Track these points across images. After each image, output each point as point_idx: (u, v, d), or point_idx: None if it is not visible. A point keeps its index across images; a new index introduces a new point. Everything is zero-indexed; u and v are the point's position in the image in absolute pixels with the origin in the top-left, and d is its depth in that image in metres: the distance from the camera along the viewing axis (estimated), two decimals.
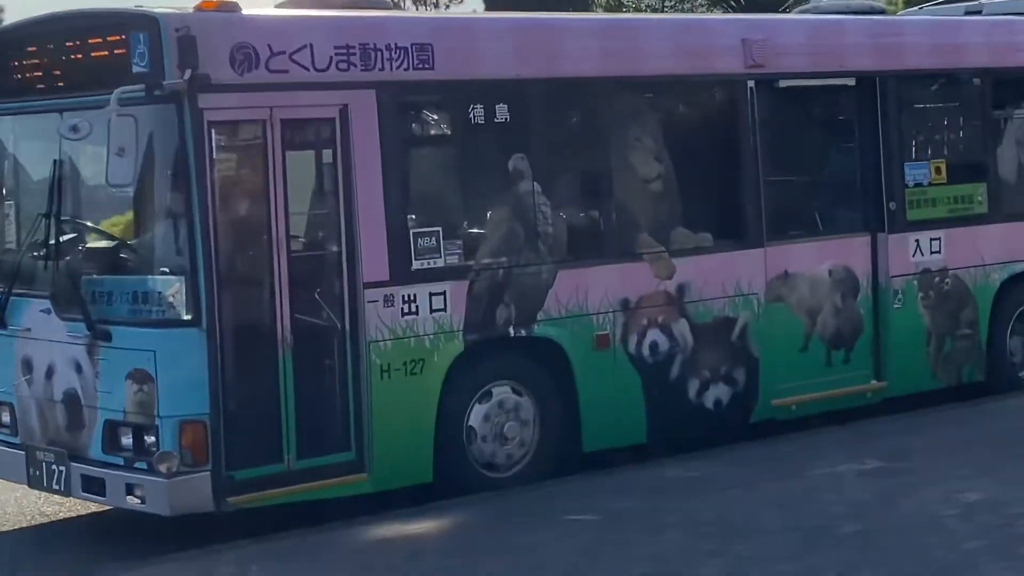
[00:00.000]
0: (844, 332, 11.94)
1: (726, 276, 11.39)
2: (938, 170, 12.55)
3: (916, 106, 12.59)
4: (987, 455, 10.48)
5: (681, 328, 11.18)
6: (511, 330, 10.40)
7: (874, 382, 12.29)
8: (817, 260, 11.95)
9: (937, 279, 12.47)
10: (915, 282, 12.36)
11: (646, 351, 11.00)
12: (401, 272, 9.92)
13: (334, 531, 9.37)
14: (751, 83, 11.53)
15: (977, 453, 10.57)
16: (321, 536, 9.25)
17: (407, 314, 9.95)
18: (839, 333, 11.91)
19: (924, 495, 9.42)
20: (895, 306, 12.28)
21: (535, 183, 10.46)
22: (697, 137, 11.55)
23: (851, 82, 12.20)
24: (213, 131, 9.28)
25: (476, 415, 10.26)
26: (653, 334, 11.04)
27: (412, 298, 9.97)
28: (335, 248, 9.84)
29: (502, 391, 10.37)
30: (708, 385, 11.33)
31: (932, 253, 12.48)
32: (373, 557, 8.87)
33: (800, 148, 12.54)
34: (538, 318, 10.50)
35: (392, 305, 9.89)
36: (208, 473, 9.24)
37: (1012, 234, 12.92)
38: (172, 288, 9.28)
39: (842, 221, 12.63)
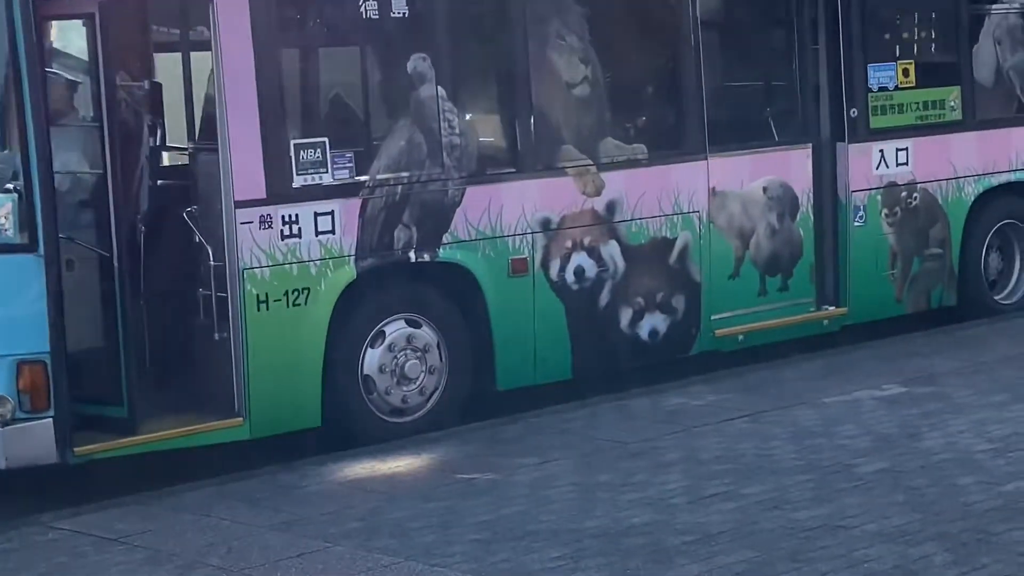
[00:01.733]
0: (782, 255, 10.42)
1: (663, 192, 9.83)
2: (906, 72, 10.97)
3: (880, 6, 11.03)
4: (1016, 379, 9.05)
5: (611, 251, 9.65)
6: (412, 255, 8.86)
7: (833, 308, 10.83)
8: (766, 172, 10.42)
9: (904, 194, 10.94)
10: (879, 197, 10.81)
11: (570, 277, 9.49)
12: (280, 189, 8.36)
13: (305, 470, 8.02)
14: None
15: (1006, 376, 9.14)
16: (291, 475, 7.91)
17: (288, 237, 8.41)
18: (785, 256, 10.42)
19: (952, 426, 8.02)
20: (856, 224, 10.76)
21: (439, 87, 8.88)
22: (630, 35, 9.97)
23: None
24: (48, 28, 7.79)
25: (372, 351, 8.79)
26: (579, 258, 9.51)
27: (294, 219, 8.42)
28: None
29: (402, 324, 8.91)
30: (643, 314, 9.83)
31: (898, 165, 10.94)
32: (350, 499, 7.43)
33: (750, 47, 11.03)
34: (444, 241, 8.97)
35: (270, 227, 8.34)
36: (50, 420, 7.75)
37: (988, 143, 11.34)
38: (2, 209, 7.81)
39: (797, 129, 11.16)
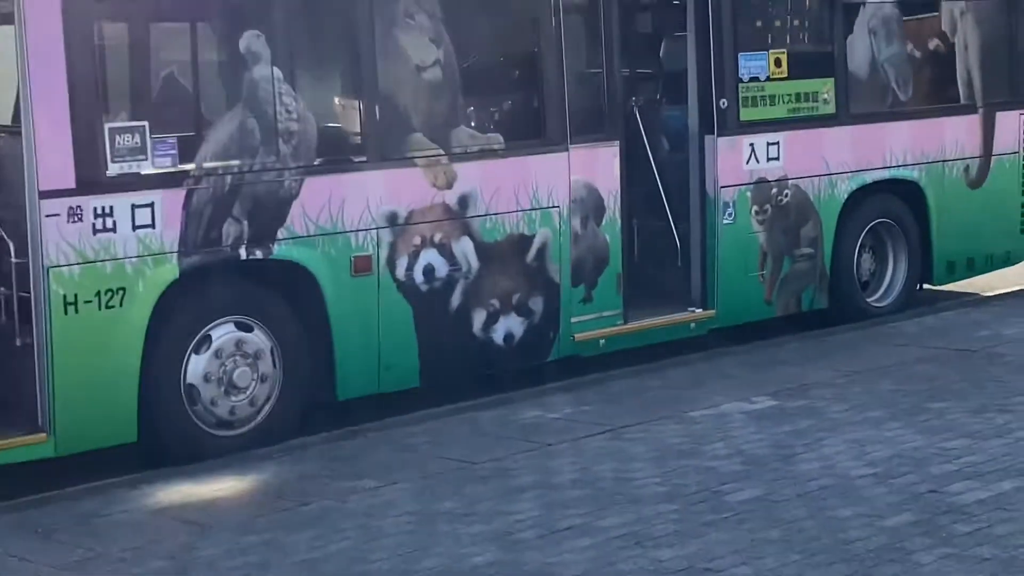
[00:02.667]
0: (586, 263, 9.33)
1: (521, 185, 8.96)
2: (778, 62, 10.18)
3: None
4: (893, 391, 8.26)
5: (464, 248, 8.76)
6: (243, 251, 7.88)
7: (700, 310, 10.04)
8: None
9: (775, 190, 10.16)
10: (748, 193, 10.03)
11: (419, 276, 8.58)
12: (93, 178, 7.34)
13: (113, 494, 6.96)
14: None
15: (881, 389, 8.34)
16: (96, 501, 6.86)
17: (101, 231, 7.39)
18: (589, 264, 9.33)
19: (828, 446, 7.21)
20: (725, 221, 9.97)
21: (275, 68, 7.90)
22: (486, 16, 9.07)
23: None
24: None
25: (196, 358, 7.81)
26: (428, 256, 8.60)
27: (108, 211, 7.40)
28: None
29: (231, 328, 7.93)
30: (497, 317, 8.94)
31: (769, 160, 10.16)
32: (159, 531, 6.41)
33: (613, 31, 10.18)
34: (279, 236, 8.00)
35: (80, 220, 7.32)
36: None
37: (863, 138, 10.59)
38: None
39: (667, 120, 10.40)
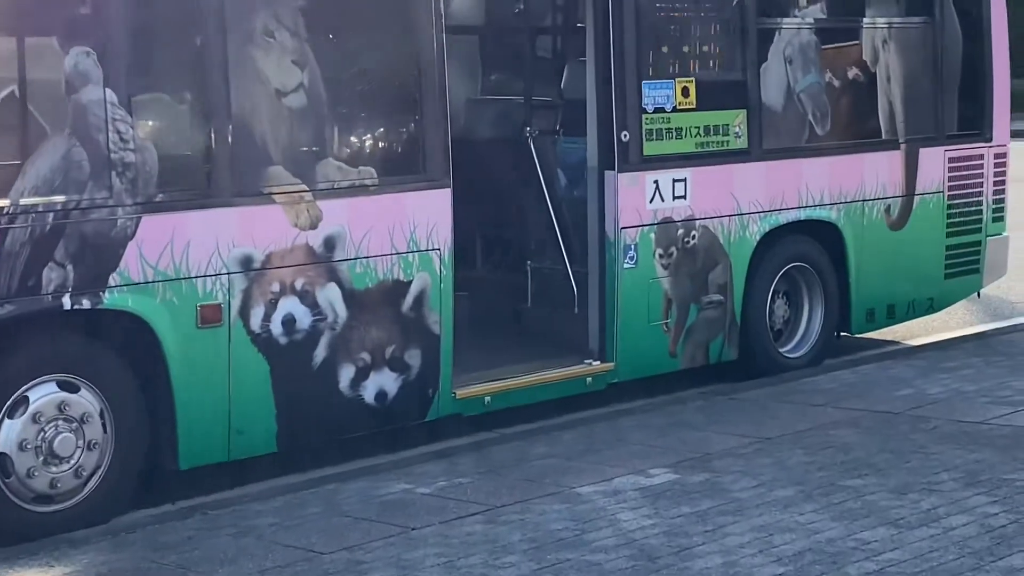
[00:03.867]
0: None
1: (397, 225, 7.88)
2: (685, 91, 9.15)
3: (660, 7, 9.14)
4: (806, 464, 7.17)
5: (329, 295, 7.64)
6: (67, 300, 6.70)
7: (598, 363, 8.99)
8: None
9: (681, 231, 9.13)
10: (652, 235, 8.98)
11: (277, 328, 7.44)
12: None
13: None
14: None
15: (793, 461, 7.24)
16: None
17: None
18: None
19: (732, 536, 6.10)
20: (626, 265, 8.90)
21: (108, 90, 6.76)
22: (359, 36, 7.95)
23: None
24: None
25: (10, 423, 6.60)
26: (288, 304, 7.47)
27: None
28: None
29: (52, 388, 6.77)
30: (368, 372, 7.82)
31: (675, 198, 9.13)
32: None
33: (504, 55, 9.21)
34: (111, 283, 6.84)
35: None
36: None
37: (776, 175, 9.57)
38: None
39: (565, 153, 9.37)
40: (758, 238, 9.49)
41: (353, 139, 7.89)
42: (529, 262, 9.38)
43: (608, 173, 8.83)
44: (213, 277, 7.19)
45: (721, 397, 8.76)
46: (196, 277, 7.13)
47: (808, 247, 9.87)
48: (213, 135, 7.23)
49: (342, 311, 7.68)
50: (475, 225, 9.87)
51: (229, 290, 7.25)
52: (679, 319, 9.15)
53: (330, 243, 7.62)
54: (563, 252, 9.07)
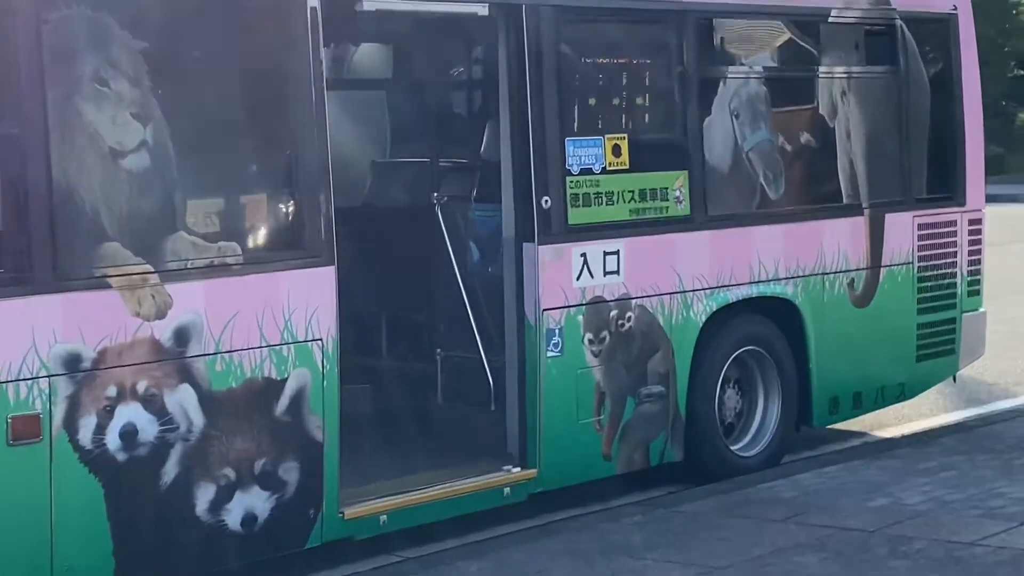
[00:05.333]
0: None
1: (268, 311, 6.42)
2: (617, 150, 7.72)
3: (586, 54, 7.72)
4: None
5: (182, 400, 6.15)
6: None
7: (517, 470, 7.51)
8: None
9: (614, 312, 7.69)
10: (580, 317, 7.54)
11: (114, 442, 5.92)
12: None
13: None
14: (313, 2, 6.64)
15: None
16: None
17: None
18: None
19: None
20: (550, 353, 7.47)
21: None
22: (217, 83, 6.51)
23: (483, 10, 7.36)
24: None
25: None
26: (128, 412, 5.96)
27: None
28: None
29: None
30: (232, 492, 6.32)
31: (607, 274, 7.69)
32: None
33: (402, 107, 7.82)
34: None
35: None
36: None
37: (724, 246, 8.16)
38: None
39: (478, 223, 7.94)
40: (704, 319, 8.06)
41: (212, 209, 6.41)
42: (439, 350, 7.93)
43: (527, 246, 7.39)
44: (29, 381, 5.69)
45: (663, 510, 7.26)
46: (6, 382, 5.65)
47: (762, 328, 8.44)
48: (29, 205, 5.75)
49: (198, 418, 6.19)
50: (380, 307, 8.45)
51: (50, 397, 5.75)
52: (613, 415, 7.69)
53: (182, 335, 6.14)
54: (477, 339, 7.62)
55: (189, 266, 6.17)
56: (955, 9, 9.43)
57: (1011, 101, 37.31)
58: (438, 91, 8.72)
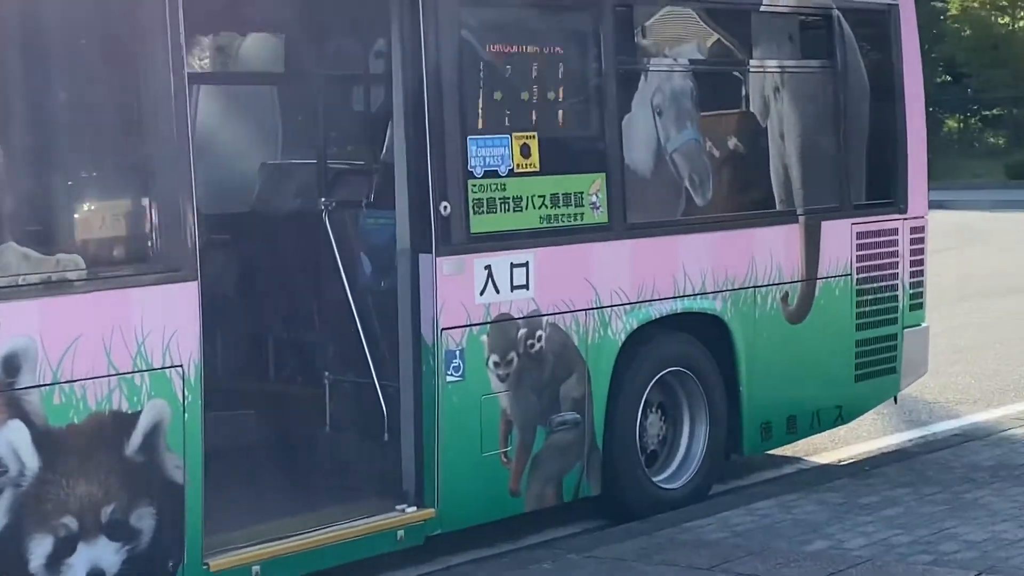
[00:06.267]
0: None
1: (117, 334, 5.48)
2: (526, 150, 6.85)
3: (491, 43, 6.80)
4: None
5: (11, 439, 5.16)
6: None
7: (413, 510, 6.60)
8: None
9: (522, 332, 6.79)
10: (484, 337, 6.63)
11: None
12: None
13: None
14: None
15: None
16: None
17: None
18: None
19: None
20: (449, 378, 6.55)
21: None
22: (52, 71, 5.45)
23: None
24: None
25: None
26: None
27: None
28: None
29: None
30: (74, 544, 5.36)
31: (515, 288, 6.78)
32: None
33: (294, 103, 6.96)
34: None
35: None
36: None
37: (646, 257, 7.28)
38: None
39: (371, 232, 7.03)
40: (624, 337, 7.18)
41: (49, 216, 5.48)
42: (327, 374, 7.01)
43: (423, 257, 6.49)
44: None
45: (576, 555, 6.34)
46: None
47: (688, 347, 7.58)
48: None
49: (31, 460, 5.24)
50: (266, 325, 7.53)
51: None
52: (522, 447, 6.79)
53: (11, 364, 5.18)
54: (369, 361, 6.71)
55: (21, 282, 5.23)
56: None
57: (938, 108, 36.84)
58: (334, 85, 7.81)
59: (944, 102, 37.42)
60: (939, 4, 38.62)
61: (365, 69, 7.76)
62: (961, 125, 41.32)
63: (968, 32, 38.89)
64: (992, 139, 40.71)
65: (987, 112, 41.67)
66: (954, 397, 10.43)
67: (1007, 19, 39.74)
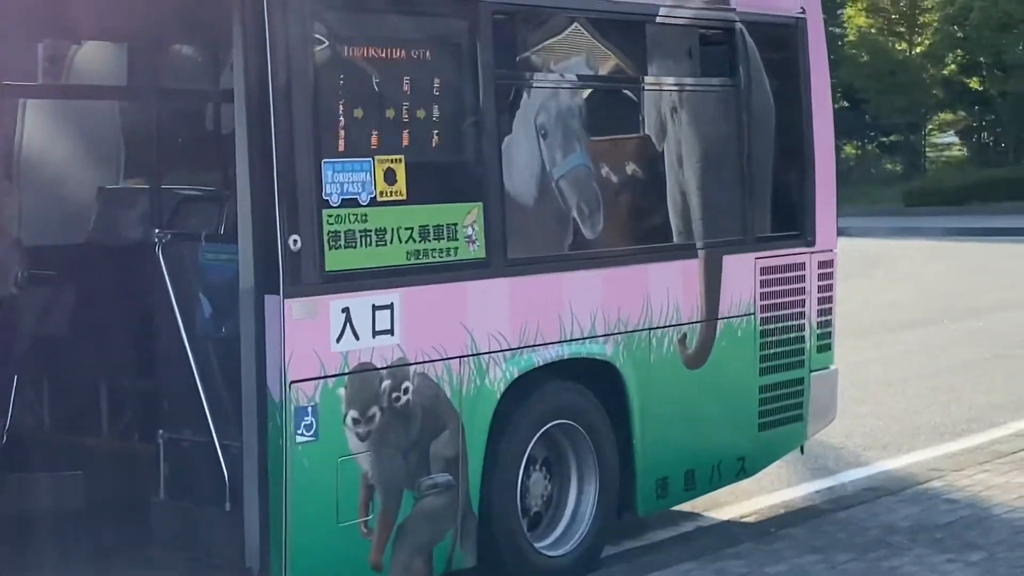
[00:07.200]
0: None
1: None
2: (391, 175, 5.96)
3: (352, 53, 5.86)
4: None
5: None
6: None
7: None
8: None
9: (387, 383, 5.88)
10: (341, 391, 5.71)
11: None
12: None
13: None
14: None
15: None
16: None
17: None
18: None
19: None
20: (300, 438, 5.63)
21: None
22: None
23: None
24: None
25: None
26: None
27: None
28: None
29: None
30: None
31: (377, 334, 5.87)
32: None
33: (138, 121, 6.05)
34: None
35: None
36: None
37: (528, 297, 6.42)
38: None
39: (212, 270, 6.11)
40: (503, 387, 6.29)
41: None
42: (161, 431, 6.08)
43: (270, 299, 5.56)
44: None
45: None
46: None
47: (575, 397, 6.72)
48: None
49: None
50: (99, 372, 6.59)
51: None
52: (386, 515, 5.87)
53: None
54: (208, 418, 5.79)
55: None
56: (803, 12, 7.88)
57: (836, 134, 36.52)
58: (181, 100, 6.91)
59: (842, 129, 37.14)
60: (837, 30, 38.39)
61: (215, 82, 6.87)
62: (859, 151, 41.16)
63: (866, 58, 38.71)
64: (890, 165, 40.60)
65: (884, 138, 41.57)
66: (862, 442, 9.69)
67: (904, 45, 39.62)
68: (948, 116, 41.37)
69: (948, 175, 37.99)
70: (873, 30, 39.48)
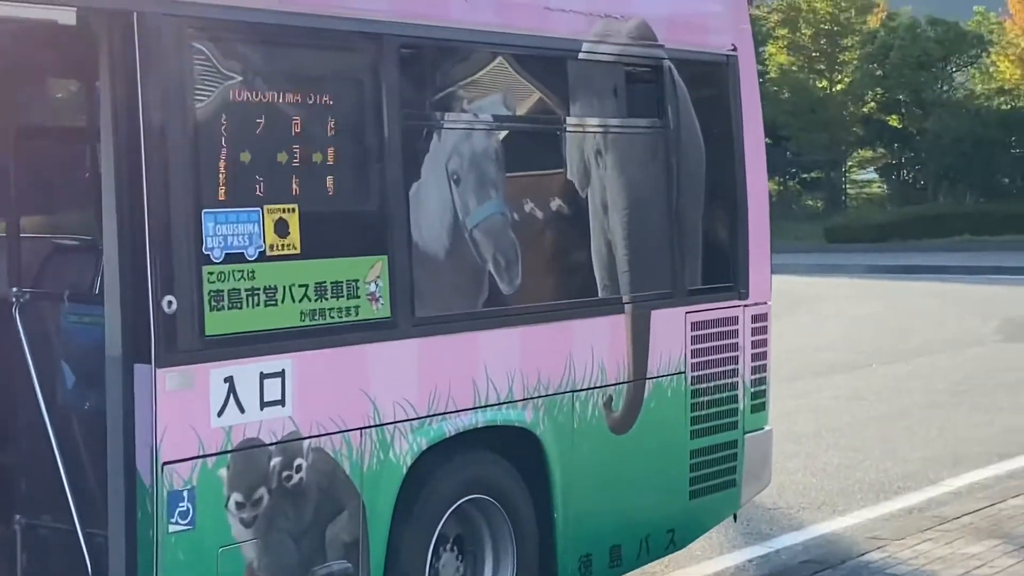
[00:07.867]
0: None
1: None
2: (282, 227, 5.27)
3: (238, 91, 5.09)
4: None
5: None
6: None
7: None
8: None
9: (276, 461, 5.16)
10: (223, 472, 4.97)
11: None
12: None
13: None
14: None
15: None
16: None
17: None
18: None
19: None
20: (174, 527, 4.89)
21: None
22: None
23: (67, 17, 4.82)
24: None
25: None
26: None
27: None
28: None
29: None
30: None
31: (267, 405, 5.15)
32: None
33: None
34: None
35: None
36: None
37: (438, 359, 5.73)
38: None
39: (77, 333, 5.36)
40: (410, 461, 5.59)
41: None
42: (18, 517, 5.32)
43: (140, 368, 4.84)
44: None
45: None
46: None
47: (491, 468, 6.02)
48: None
49: None
50: None
51: None
52: None
53: None
54: (70, 503, 5.04)
55: None
56: (734, 50, 7.26)
57: None
58: (46, 139, 6.14)
59: (768, 166, 36.91)
60: (758, 67, 38.16)
61: (89, 120, 6.12)
62: (781, 188, 40.93)
63: (787, 95, 38.47)
64: (811, 202, 40.40)
65: (805, 175, 41.37)
66: (795, 501, 9.07)
67: (825, 82, 39.41)
68: (868, 153, 41.27)
69: (869, 212, 37.84)
70: (794, 68, 39.26)
